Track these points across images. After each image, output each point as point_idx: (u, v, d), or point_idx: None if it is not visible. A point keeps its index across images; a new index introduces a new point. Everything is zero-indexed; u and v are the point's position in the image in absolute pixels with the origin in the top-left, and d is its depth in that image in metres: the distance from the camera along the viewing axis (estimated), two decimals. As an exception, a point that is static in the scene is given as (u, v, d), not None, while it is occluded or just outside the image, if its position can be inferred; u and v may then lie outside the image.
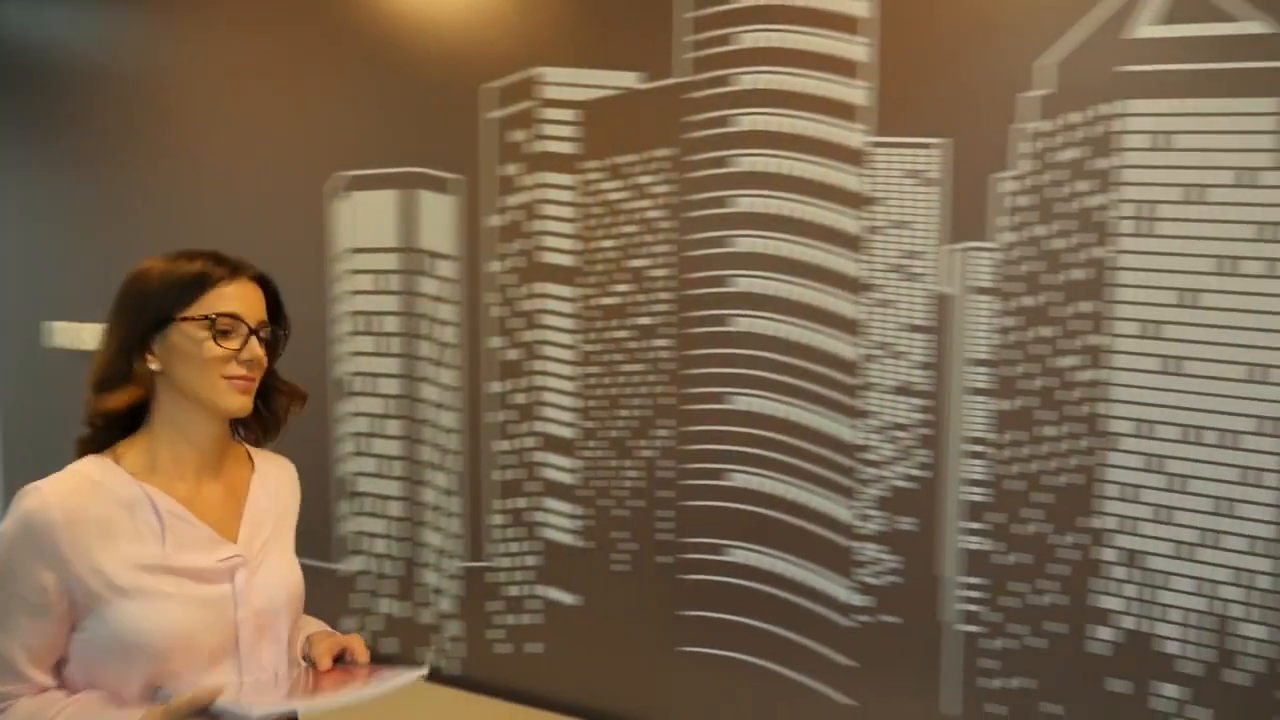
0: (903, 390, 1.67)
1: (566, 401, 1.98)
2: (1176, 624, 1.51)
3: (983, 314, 1.61)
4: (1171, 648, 1.51)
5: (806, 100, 1.71)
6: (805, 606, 1.77)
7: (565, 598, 2.00)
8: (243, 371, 1.14)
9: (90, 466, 1.12)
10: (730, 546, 1.83)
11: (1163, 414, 1.50)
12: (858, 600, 1.73)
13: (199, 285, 1.14)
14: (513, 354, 2.02)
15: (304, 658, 1.22)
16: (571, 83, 1.93)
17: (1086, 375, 1.54)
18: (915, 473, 1.67)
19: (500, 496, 2.06)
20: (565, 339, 1.97)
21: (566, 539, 1.99)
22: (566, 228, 1.96)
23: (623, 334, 1.91)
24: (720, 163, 1.80)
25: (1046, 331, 1.57)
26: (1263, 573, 1.45)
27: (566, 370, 1.97)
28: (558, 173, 1.96)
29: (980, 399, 1.62)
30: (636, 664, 1.93)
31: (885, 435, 1.69)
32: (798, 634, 1.78)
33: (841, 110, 1.68)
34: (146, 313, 1.13)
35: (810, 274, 1.73)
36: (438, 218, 2.08)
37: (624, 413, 1.92)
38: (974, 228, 1.60)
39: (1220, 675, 1.49)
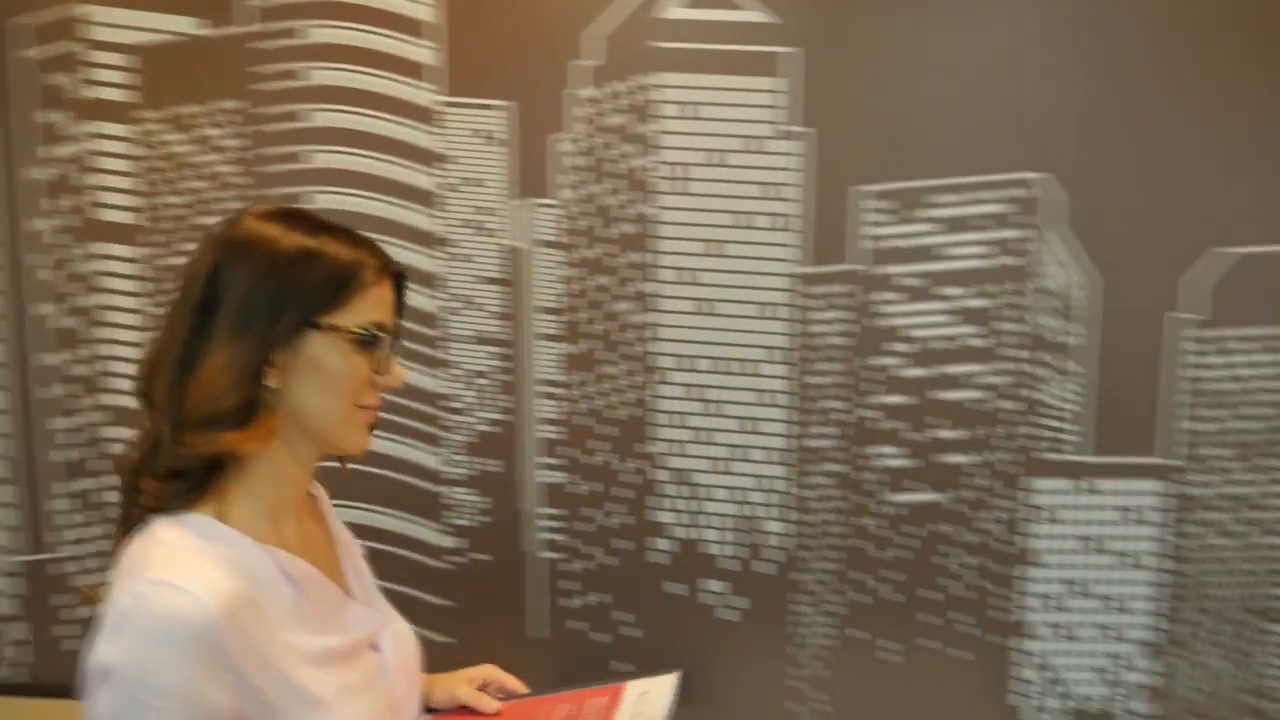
0: (482, 340, 1.76)
1: (135, 371, 1.83)
2: (717, 529, 1.76)
3: (549, 265, 1.74)
4: (714, 549, 1.76)
5: (375, 57, 1.72)
6: (401, 555, 1.82)
7: (147, 580, 1.87)
8: (376, 400, 0.90)
9: (201, 534, 0.82)
10: (323, 505, 1.82)
11: (699, 349, 1.72)
12: (449, 543, 1.81)
13: (350, 281, 0.85)
14: (68, 322, 1.84)
15: (429, 709, 1.06)
16: (122, 24, 1.78)
17: (638, 318, 1.73)
18: (497, 417, 1.78)
19: (63, 479, 1.87)
20: (130, 303, 1.83)
21: (145, 517, 1.86)
22: (125, 182, 1.81)
23: (196, 295, 1.81)
24: (292, 117, 1.76)
25: (604, 280, 1.73)
26: (779, 478, 1.74)
27: (133, 337, 1.83)
28: (112, 122, 1.80)
29: (551, 344, 1.75)
30: (231, 637, 1.87)
31: (468, 383, 1.77)
32: (395, 583, 1.82)
33: (410, 69, 1.72)
34: (286, 309, 0.82)
35: (389, 230, 1.76)
36: (-37, 169, 1.82)
37: (202, 378, 1.82)
38: (538, 186, 1.73)
39: (751, 567, 1.76)
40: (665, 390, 1.74)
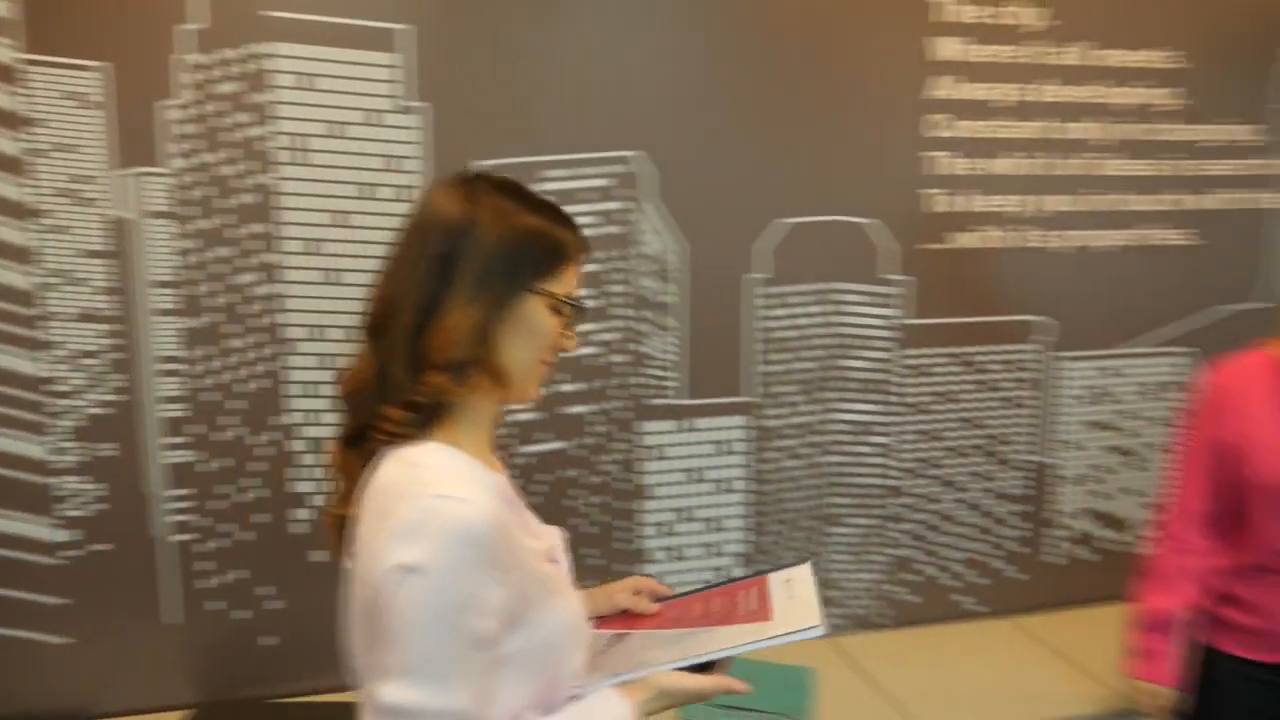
0: (87, 317, 1.66)
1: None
2: (357, 493, 1.80)
3: (162, 237, 1.67)
4: (356, 514, 1.81)
5: (-65, 5, 1.55)
6: (2, 556, 1.66)
7: None
8: (555, 359, 1.00)
9: (451, 458, 0.92)
10: (-103, 510, 1.62)
11: (330, 319, 1.75)
12: (63, 536, 1.68)
13: (562, 255, 0.96)
14: None
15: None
16: None
17: (263, 290, 1.72)
18: (110, 398, 1.68)
19: None
20: None
21: None
22: None
23: None
24: None
25: (224, 251, 1.70)
26: (416, 439, 1.82)
27: None
28: None
29: (168, 319, 1.69)
30: None
31: (73, 364, 1.66)
32: (-3, 587, 1.67)
33: (-19, 21, 1.57)
34: (518, 275, 0.94)
35: (-36, 199, 1.59)
36: None
37: None
38: (144, 153, 1.65)
39: (394, 527, 1.83)
40: (297, 361, 1.75)
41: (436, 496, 0.86)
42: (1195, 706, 1.60)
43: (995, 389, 2.11)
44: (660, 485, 1.95)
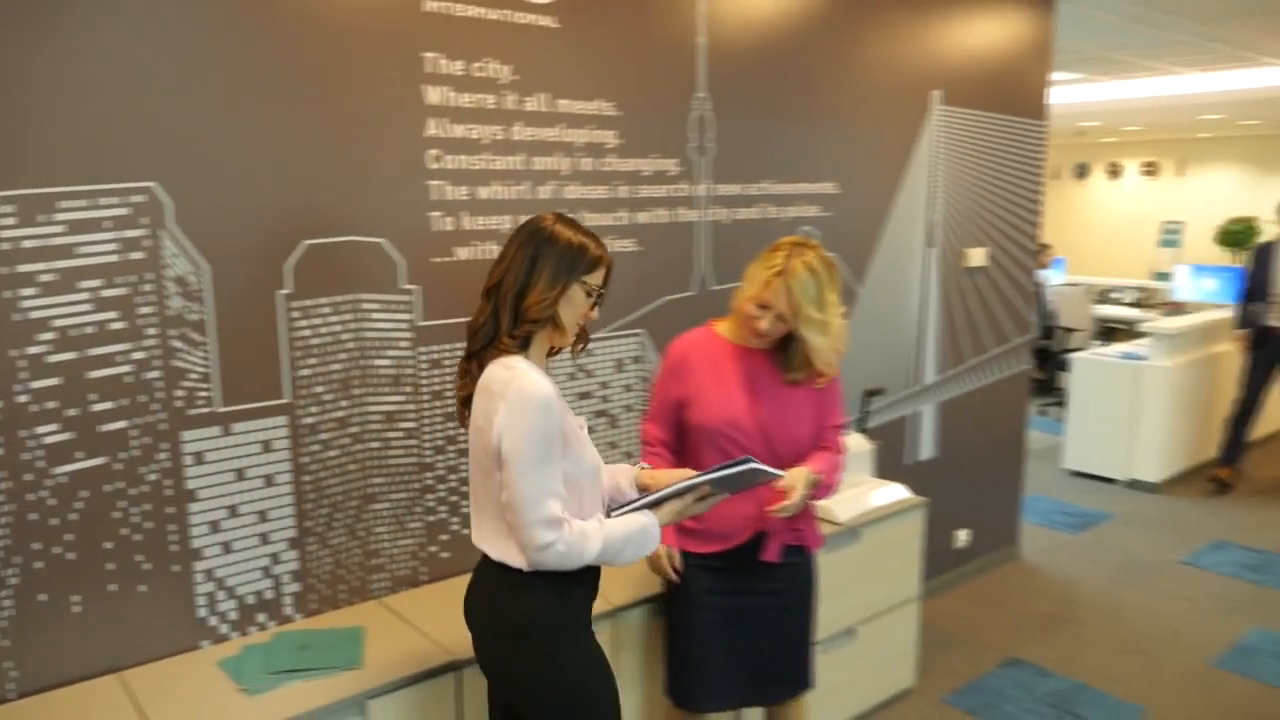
0: None
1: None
2: None
3: None
4: None
5: None
6: None
7: None
8: (585, 325, 1.78)
9: (531, 365, 1.69)
10: None
11: None
12: None
13: (596, 262, 1.72)
14: None
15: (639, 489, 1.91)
16: None
17: None
18: None
19: None
20: None
21: None
22: None
23: None
24: None
25: None
26: (-66, 472, 1.81)
27: None
28: None
29: None
30: None
31: None
32: None
33: None
34: (575, 269, 1.70)
35: None
36: None
37: None
38: None
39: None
40: None
41: (524, 381, 1.62)
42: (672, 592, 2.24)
43: (500, 374, 2.57)
44: (206, 488, 2.13)
